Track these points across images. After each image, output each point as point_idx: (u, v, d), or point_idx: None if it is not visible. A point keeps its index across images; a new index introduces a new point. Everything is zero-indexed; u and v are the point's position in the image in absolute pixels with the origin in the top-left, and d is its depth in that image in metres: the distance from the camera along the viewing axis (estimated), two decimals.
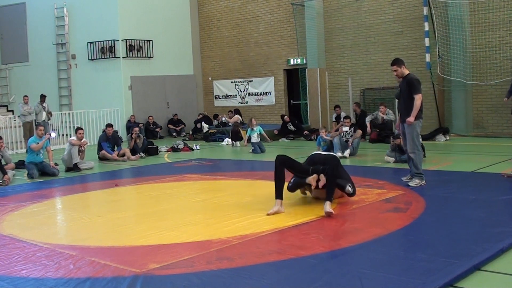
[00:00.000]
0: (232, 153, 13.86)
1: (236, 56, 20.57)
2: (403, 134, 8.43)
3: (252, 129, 14.22)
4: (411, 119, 8.03)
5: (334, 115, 16.66)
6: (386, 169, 10.32)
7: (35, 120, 16.25)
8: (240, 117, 19.33)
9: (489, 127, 15.23)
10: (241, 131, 16.46)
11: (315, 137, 14.97)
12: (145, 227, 6.40)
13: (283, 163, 7.03)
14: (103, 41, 19.31)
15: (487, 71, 14.98)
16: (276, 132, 17.02)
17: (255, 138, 14.05)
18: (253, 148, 13.91)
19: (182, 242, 5.66)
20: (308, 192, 7.62)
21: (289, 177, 7.42)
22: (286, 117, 17.09)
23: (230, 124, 19.01)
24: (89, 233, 6.36)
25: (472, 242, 5.10)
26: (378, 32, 17.05)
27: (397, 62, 8.30)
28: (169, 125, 20.25)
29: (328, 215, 6.40)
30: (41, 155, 11.43)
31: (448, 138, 14.49)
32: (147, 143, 14.54)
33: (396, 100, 14.99)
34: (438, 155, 11.76)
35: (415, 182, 8.02)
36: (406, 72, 8.34)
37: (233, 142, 16.01)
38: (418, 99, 8.09)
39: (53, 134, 13.41)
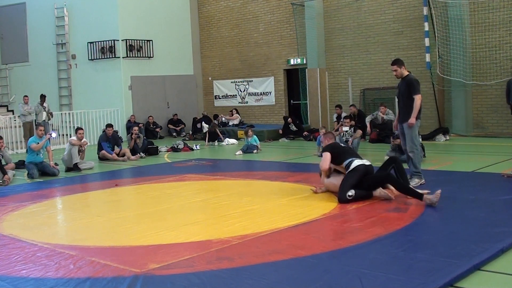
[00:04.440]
0: (231, 153, 13.85)
1: (236, 56, 20.57)
2: (402, 134, 8.46)
3: (248, 140, 14.14)
4: (412, 120, 8.09)
5: (334, 115, 16.65)
6: None
7: (35, 120, 16.25)
8: (239, 116, 19.42)
9: (489, 127, 15.23)
10: (217, 131, 16.89)
11: (314, 138, 14.99)
12: (145, 227, 6.40)
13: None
14: (103, 41, 19.31)
15: (487, 71, 14.98)
16: (281, 132, 17.06)
17: (249, 146, 13.95)
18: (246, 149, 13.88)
19: (182, 242, 5.66)
20: (319, 189, 7.78)
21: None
22: (289, 119, 17.12)
23: (230, 124, 19.07)
24: (89, 233, 6.36)
25: (472, 242, 5.09)
26: (378, 32, 17.04)
27: (397, 62, 8.37)
28: (169, 125, 20.26)
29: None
30: (41, 155, 11.43)
31: (448, 138, 14.50)
32: (147, 143, 14.54)
33: (396, 100, 15.04)
34: (438, 155, 11.76)
35: (414, 182, 8.03)
36: (406, 72, 8.40)
37: (210, 141, 16.43)
38: (418, 99, 8.16)
39: (53, 135, 13.41)
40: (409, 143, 8.19)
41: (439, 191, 6.72)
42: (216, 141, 16.56)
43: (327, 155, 7.57)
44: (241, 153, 13.62)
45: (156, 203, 7.93)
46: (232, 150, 14.74)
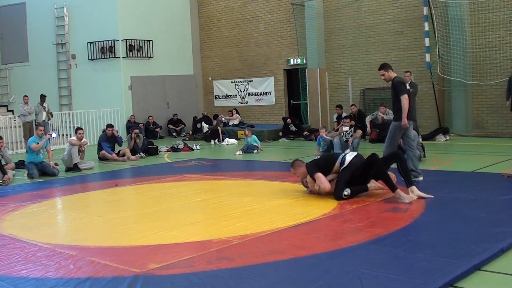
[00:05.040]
0: (231, 153, 13.85)
1: (236, 56, 20.57)
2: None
3: (248, 139, 14.15)
4: (404, 121, 8.22)
5: (335, 115, 16.64)
6: None
7: (35, 120, 16.25)
8: (239, 116, 19.42)
9: (489, 127, 15.23)
10: (219, 130, 16.97)
11: (315, 137, 14.99)
12: (145, 227, 6.40)
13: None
14: (103, 41, 19.31)
15: (487, 71, 14.98)
16: (281, 134, 17.02)
17: (249, 146, 13.97)
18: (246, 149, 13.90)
19: (182, 242, 5.66)
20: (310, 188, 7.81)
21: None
22: (288, 119, 17.13)
23: (230, 124, 19.07)
24: (89, 233, 6.36)
25: (472, 242, 5.09)
26: (378, 32, 17.04)
27: (384, 66, 8.54)
28: (169, 125, 20.26)
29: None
30: (41, 155, 11.43)
31: (448, 138, 14.49)
32: (147, 143, 14.54)
33: None
34: (438, 155, 11.76)
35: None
36: (393, 75, 8.52)
37: (212, 140, 16.69)
38: (404, 99, 8.27)
39: (53, 135, 13.40)
40: (388, 139, 8.45)
41: (415, 197, 7.01)
42: (216, 139, 16.59)
43: (320, 176, 7.41)
44: (241, 153, 13.63)
45: (156, 203, 7.93)
46: (232, 150, 14.74)
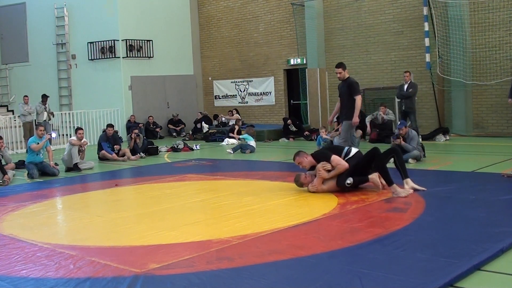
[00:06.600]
0: (231, 154, 13.85)
1: (236, 56, 20.57)
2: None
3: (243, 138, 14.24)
4: (355, 119, 8.99)
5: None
6: None
7: (35, 120, 16.25)
8: (239, 116, 19.42)
9: (489, 127, 15.23)
10: (235, 130, 16.88)
11: (315, 137, 15.00)
12: (145, 227, 6.41)
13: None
14: (103, 41, 19.31)
15: (487, 71, 14.98)
16: (291, 139, 16.91)
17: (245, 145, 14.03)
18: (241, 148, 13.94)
19: (182, 242, 5.66)
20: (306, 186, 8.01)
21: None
22: (289, 120, 17.11)
23: (230, 124, 19.06)
24: (89, 233, 6.36)
25: (472, 242, 5.09)
26: (378, 32, 17.04)
27: (341, 65, 9.38)
28: (169, 125, 20.26)
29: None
30: (41, 155, 11.43)
31: (448, 138, 14.49)
32: (147, 143, 14.54)
33: (397, 100, 15.06)
34: (438, 155, 11.76)
35: None
36: (347, 75, 9.33)
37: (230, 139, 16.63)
38: (358, 99, 9.09)
39: (53, 135, 13.41)
40: (341, 141, 9.19)
41: (411, 190, 7.34)
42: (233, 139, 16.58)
43: (336, 157, 7.68)
44: (231, 152, 13.62)
45: (156, 203, 7.93)
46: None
